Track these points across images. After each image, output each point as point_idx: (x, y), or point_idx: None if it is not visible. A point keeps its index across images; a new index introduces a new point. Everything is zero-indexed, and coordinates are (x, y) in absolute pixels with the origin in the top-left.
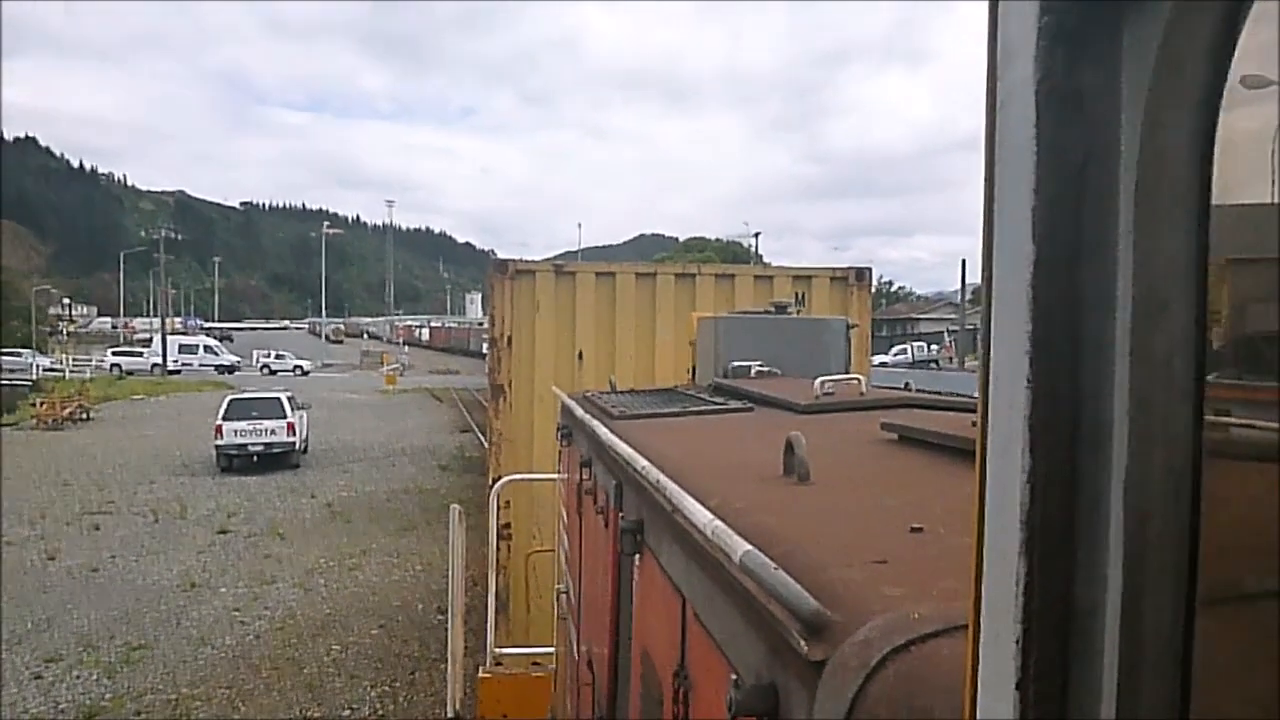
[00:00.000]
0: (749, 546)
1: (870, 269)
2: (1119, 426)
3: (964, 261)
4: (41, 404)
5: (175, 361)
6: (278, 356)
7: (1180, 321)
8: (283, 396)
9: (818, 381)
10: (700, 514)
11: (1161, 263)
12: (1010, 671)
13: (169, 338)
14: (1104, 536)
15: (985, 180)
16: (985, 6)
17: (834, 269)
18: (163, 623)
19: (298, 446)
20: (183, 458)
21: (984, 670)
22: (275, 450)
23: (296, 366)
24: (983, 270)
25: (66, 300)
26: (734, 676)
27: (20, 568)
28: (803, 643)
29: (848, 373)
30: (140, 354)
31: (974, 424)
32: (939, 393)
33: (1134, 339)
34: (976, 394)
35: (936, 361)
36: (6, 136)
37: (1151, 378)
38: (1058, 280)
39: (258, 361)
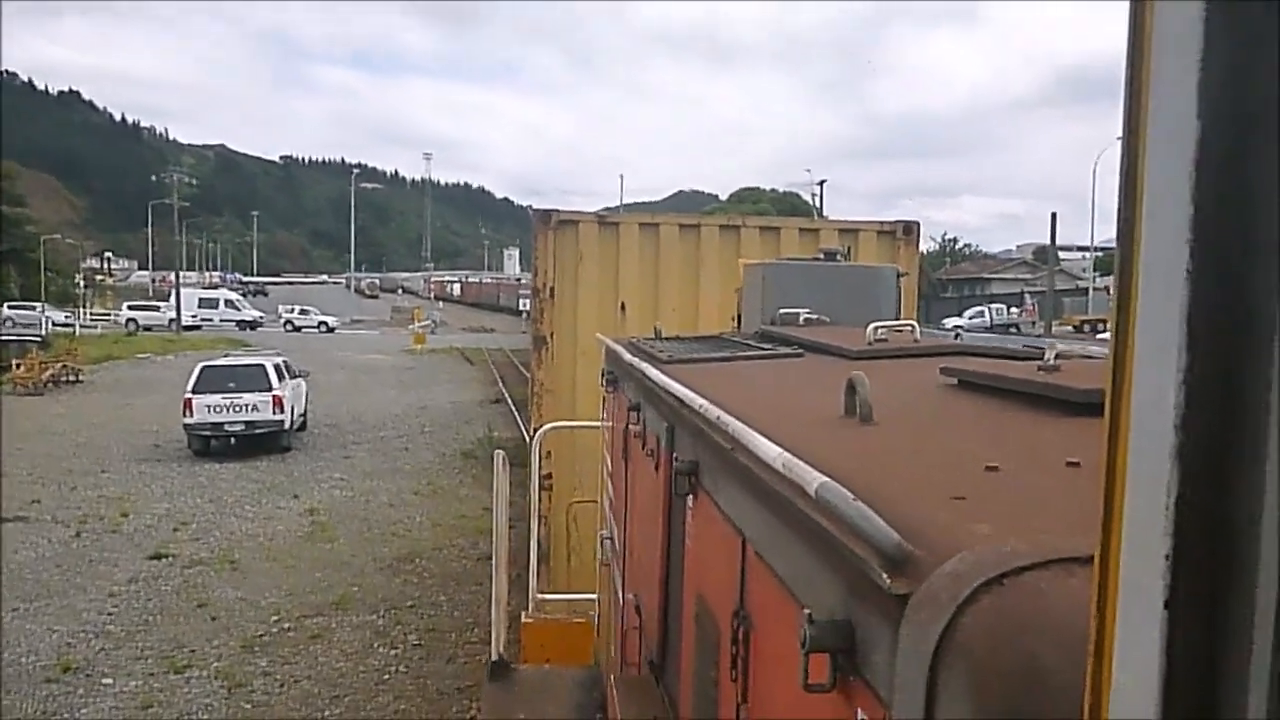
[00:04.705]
0: (825, 478)
1: (918, 223)
2: None
3: (1054, 215)
4: (18, 366)
5: (194, 317)
6: (302, 312)
7: None
8: (268, 363)
9: (870, 327)
10: (768, 448)
11: None
12: (1159, 590)
13: (194, 292)
14: (1265, 443)
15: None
16: None
17: (881, 222)
18: None
19: (288, 425)
20: (160, 435)
21: (1125, 590)
22: (259, 430)
23: (322, 323)
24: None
25: (108, 254)
26: (807, 612)
27: None
28: (885, 576)
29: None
30: (158, 308)
31: (1040, 367)
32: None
33: None
34: (1109, 306)
35: (1018, 326)
36: (50, 91)
37: None
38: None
39: (282, 318)
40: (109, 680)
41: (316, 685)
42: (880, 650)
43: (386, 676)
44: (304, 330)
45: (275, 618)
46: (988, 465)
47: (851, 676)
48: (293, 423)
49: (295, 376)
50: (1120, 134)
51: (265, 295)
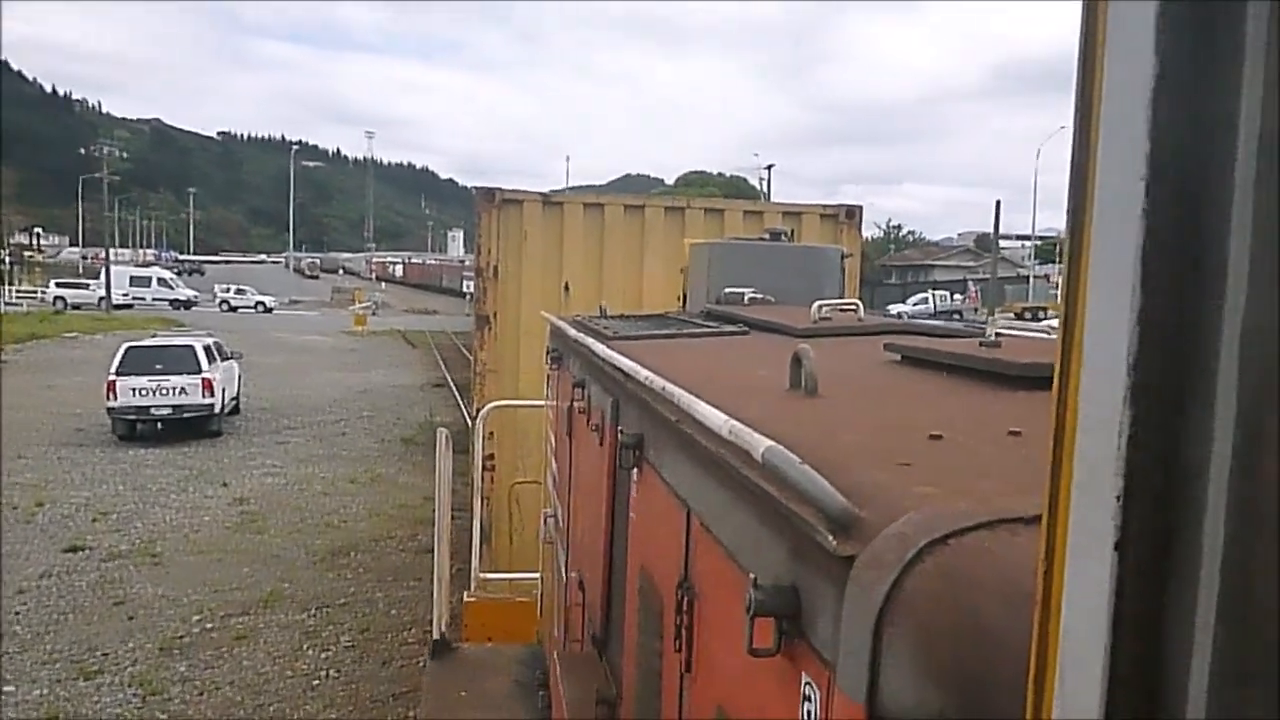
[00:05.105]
0: (771, 442)
1: (860, 207)
2: (1236, 267)
3: (998, 203)
4: None
5: (125, 295)
6: (239, 291)
7: None
8: (197, 344)
9: (815, 305)
10: (715, 416)
11: None
12: (1109, 532)
13: (125, 269)
14: (1215, 383)
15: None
16: None
17: (825, 205)
18: None
19: (218, 409)
20: (84, 419)
21: (1075, 534)
22: (187, 414)
23: (259, 303)
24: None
25: (38, 229)
26: (753, 577)
27: None
28: (831, 539)
29: None
30: (88, 286)
31: (981, 343)
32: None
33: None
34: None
35: (960, 312)
36: None
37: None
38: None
39: (217, 297)
40: (10, 689)
41: (240, 692)
42: (826, 613)
43: (316, 682)
44: (241, 310)
45: (198, 617)
46: (931, 434)
47: (796, 640)
48: (224, 406)
49: (227, 358)
50: (1072, 113)
51: (202, 274)
